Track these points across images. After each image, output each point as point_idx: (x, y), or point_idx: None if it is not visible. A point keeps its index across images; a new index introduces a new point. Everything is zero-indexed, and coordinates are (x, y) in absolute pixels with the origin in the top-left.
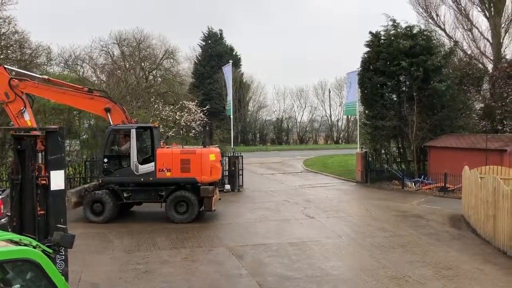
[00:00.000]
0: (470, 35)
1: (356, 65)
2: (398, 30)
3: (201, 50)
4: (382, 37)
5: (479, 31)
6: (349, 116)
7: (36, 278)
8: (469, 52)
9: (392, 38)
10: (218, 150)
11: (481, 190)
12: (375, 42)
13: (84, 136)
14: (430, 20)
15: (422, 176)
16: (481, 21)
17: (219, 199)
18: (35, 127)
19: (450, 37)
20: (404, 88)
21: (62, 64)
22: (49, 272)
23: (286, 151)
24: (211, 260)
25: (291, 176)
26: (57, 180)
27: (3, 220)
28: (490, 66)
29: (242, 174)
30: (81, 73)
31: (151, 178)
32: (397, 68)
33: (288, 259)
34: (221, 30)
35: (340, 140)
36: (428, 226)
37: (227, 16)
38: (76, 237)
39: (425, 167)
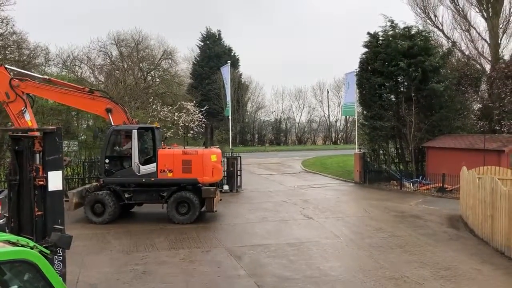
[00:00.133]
0: (468, 36)
1: (354, 66)
2: (396, 30)
3: (199, 51)
4: (380, 38)
5: (477, 31)
6: (347, 116)
7: (33, 279)
8: (467, 52)
9: (390, 38)
10: (219, 151)
11: (479, 191)
12: (373, 43)
13: (82, 137)
14: (428, 21)
15: (420, 177)
16: (479, 22)
17: (220, 199)
18: (33, 128)
19: (448, 38)
20: (402, 89)
21: (60, 65)
22: (46, 273)
23: (284, 152)
24: (209, 261)
25: (289, 177)
26: (55, 180)
27: (1, 221)
28: (488, 67)
29: (241, 175)
30: (79, 73)
31: (152, 179)
32: (395, 68)
33: (287, 260)
34: (219, 31)
35: (338, 141)
36: (426, 226)
37: (225, 16)
38: (74, 238)
39: (423, 167)
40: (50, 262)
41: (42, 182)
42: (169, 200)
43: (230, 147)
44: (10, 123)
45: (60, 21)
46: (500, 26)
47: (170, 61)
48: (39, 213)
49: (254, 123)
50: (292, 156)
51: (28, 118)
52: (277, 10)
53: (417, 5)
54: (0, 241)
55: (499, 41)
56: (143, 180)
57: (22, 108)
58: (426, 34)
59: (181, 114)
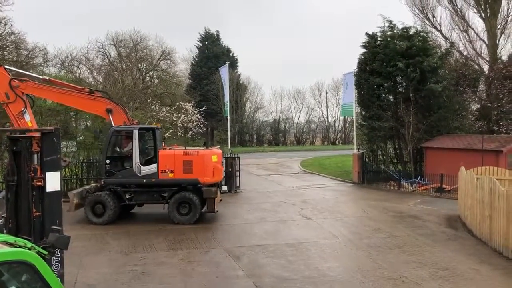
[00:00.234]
0: (466, 36)
1: (353, 66)
2: (395, 31)
3: (198, 51)
4: (379, 38)
5: (475, 32)
6: (346, 117)
7: (31, 280)
8: (465, 53)
9: (389, 39)
10: (220, 151)
11: (477, 191)
12: (372, 43)
13: (81, 138)
14: (426, 21)
15: (419, 177)
16: (477, 23)
17: (220, 200)
18: (31, 128)
19: (446, 38)
20: (400, 89)
21: (58, 65)
22: (44, 274)
23: (283, 152)
24: (208, 262)
25: (288, 177)
26: (53, 181)
27: None
28: (486, 67)
29: (239, 175)
30: (77, 74)
31: (153, 179)
32: (394, 69)
33: (285, 260)
34: (218, 31)
35: (337, 141)
36: (425, 226)
37: (224, 17)
38: (72, 239)
39: (422, 168)
40: (48, 263)
41: (40, 183)
42: (170, 200)
43: (229, 147)
44: (8, 124)
45: (58, 22)
46: (498, 26)
47: (168, 62)
48: (37, 214)
49: (253, 124)
50: (290, 156)
51: (28, 119)
52: (276, 11)
53: (415, 6)
54: None
55: (497, 42)
56: (144, 180)
57: (22, 109)
58: (424, 35)
59: (179, 114)
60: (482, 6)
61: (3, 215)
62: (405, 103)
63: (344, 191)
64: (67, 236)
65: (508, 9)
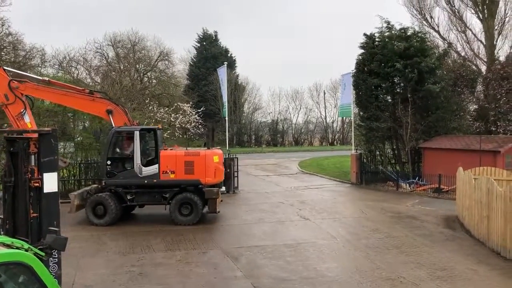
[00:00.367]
0: (464, 37)
1: (351, 67)
2: (392, 32)
3: (196, 52)
4: (377, 39)
5: (472, 33)
6: (344, 117)
7: (28, 281)
8: (463, 54)
9: (387, 40)
10: (221, 151)
11: (475, 191)
12: (370, 44)
13: (78, 138)
14: (424, 22)
15: (417, 178)
16: (475, 23)
17: (221, 200)
18: (28, 129)
19: (444, 39)
20: (398, 90)
21: (56, 66)
22: (41, 275)
23: (281, 153)
24: (206, 262)
25: (286, 178)
26: (50, 182)
27: None
28: (483, 68)
29: (237, 176)
30: (75, 75)
31: (155, 180)
32: (392, 69)
33: (283, 261)
34: (216, 32)
35: (335, 142)
36: (423, 227)
37: (222, 17)
38: (70, 240)
39: (420, 168)
40: (45, 264)
41: (37, 184)
42: (172, 201)
43: (227, 148)
44: (6, 125)
45: (57, 22)
46: (496, 27)
47: (166, 62)
48: (34, 215)
49: (251, 124)
50: (289, 157)
51: (28, 120)
52: (274, 11)
53: (413, 7)
54: None
55: (495, 43)
56: (145, 181)
57: (22, 110)
58: (422, 35)
59: (177, 115)
60: (480, 7)
61: (0, 216)
62: (403, 103)
63: (342, 192)
64: (64, 237)
65: (505, 10)
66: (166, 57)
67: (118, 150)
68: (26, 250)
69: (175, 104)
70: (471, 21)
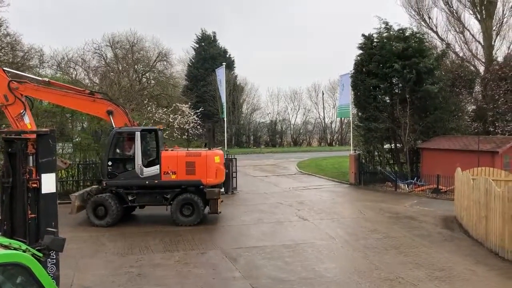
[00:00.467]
0: (462, 38)
1: (349, 68)
2: (391, 32)
3: (194, 53)
4: (375, 40)
5: (470, 33)
6: (342, 118)
7: (26, 283)
8: (461, 54)
9: (385, 40)
10: (222, 152)
11: (473, 192)
12: (368, 45)
13: (77, 139)
14: (422, 23)
15: (415, 178)
16: (473, 24)
17: (221, 201)
18: (26, 130)
19: (442, 40)
20: (396, 90)
21: (54, 67)
22: (39, 276)
23: (280, 153)
24: (204, 263)
25: (285, 178)
26: (48, 183)
27: None
28: (481, 68)
29: (236, 177)
30: (73, 75)
31: (156, 181)
32: (390, 70)
33: (282, 261)
34: (214, 33)
35: (333, 142)
36: (421, 227)
37: (220, 19)
38: (68, 240)
39: (418, 169)
40: (43, 265)
41: (35, 185)
42: (173, 202)
43: (225, 149)
44: (3, 126)
45: (55, 23)
46: (494, 28)
47: (165, 63)
48: (32, 215)
49: (250, 125)
50: (287, 157)
51: (28, 121)
52: (272, 12)
53: (412, 7)
54: None
55: (493, 43)
56: (147, 182)
57: (21, 111)
58: (420, 36)
59: (176, 116)
60: (478, 8)
61: None
62: (401, 104)
63: (341, 192)
64: (62, 238)
65: (503, 11)
66: (165, 58)
67: (119, 151)
68: (24, 251)
69: (174, 104)
70: (469, 21)
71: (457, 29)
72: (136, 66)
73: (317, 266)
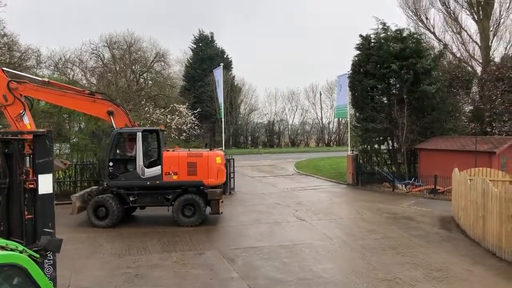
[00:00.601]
0: (459, 38)
1: (347, 68)
2: (388, 33)
3: (192, 53)
4: (372, 40)
5: (468, 34)
6: (340, 118)
7: (23, 284)
8: (458, 55)
9: (382, 41)
10: (223, 153)
11: (471, 192)
12: (366, 45)
13: (74, 140)
14: (419, 23)
15: (413, 178)
16: (470, 25)
17: (222, 201)
18: (23, 131)
19: (439, 40)
20: (394, 91)
21: (52, 67)
22: (36, 277)
23: (277, 154)
24: (202, 264)
25: (282, 179)
26: (45, 184)
27: None
28: (479, 69)
29: (234, 177)
30: (71, 76)
31: (157, 182)
32: (387, 71)
33: (280, 262)
34: (212, 33)
35: (331, 143)
36: (419, 228)
37: (218, 19)
38: (65, 241)
39: (416, 169)
40: (40, 266)
41: (32, 185)
42: (175, 203)
43: (223, 149)
44: (0, 126)
45: (52, 24)
46: (491, 28)
47: (162, 63)
48: (29, 216)
49: (247, 125)
50: (285, 158)
51: (27, 122)
52: (271, 12)
53: (409, 8)
54: None
55: (490, 44)
56: (148, 183)
57: (21, 111)
58: (418, 37)
59: (173, 116)
60: (475, 8)
61: None
62: (398, 104)
63: (339, 193)
64: (59, 238)
65: (500, 11)
66: (162, 58)
67: (120, 151)
68: (21, 252)
69: (171, 105)
70: (466, 22)
71: (454, 30)
72: (133, 67)
73: (315, 266)
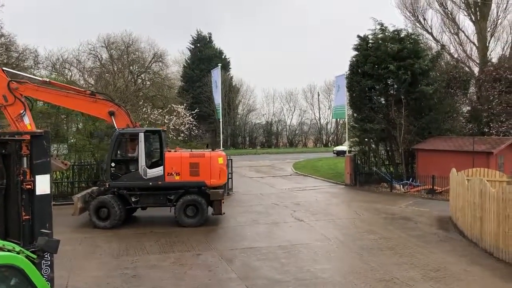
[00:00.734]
0: (457, 39)
1: (345, 69)
2: (386, 33)
3: (190, 54)
4: (370, 41)
5: (465, 35)
6: (338, 119)
7: (20, 285)
8: (455, 55)
9: (380, 41)
10: (224, 153)
11: (468, 192)
12: (363, 46)
13: (72, 140)
14: (417, 24)
15: (410, 179)
16: (467, 25)
17: (223, 202)
18: (20, 131)
19: (437, 41)
20: (392, 91)
21: (49, 68)
22: (33, 278)
23: (275, 154)
24: (200, 265)
25: (280, 179)
26: (42, 184)
27: None
28: (476, 70)
29: (232, 178)
30: (68, 76)
31: (160, 182)
32: (385, 71)
33: (278, 263)
34: (210, 34)
35: (329, 143)
36: (416, 228)
37: (216, 19)
38: (63, 242)
39: (413, 169)
40: (37, 266)
41: (29, 186)
42: (177, 203)
43: (221, 149)
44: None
45: (51, 24)
46: (488, 29)
47: (160, 64)
48: (26, 217)
49: (245, 126)
50: (283, 158)
51: (27, 122)
52: (269, 13)
53: (407, 9)
54: None
55: (487, 44)
56: (150, 183)
57: (21, 112)
58: (416, 37)
59: (171, 117)
60: (472, 9)
61: None
62: (396, 105)
63: (336, 193)
64: (57, 239)
65: (497, 12)
66: (160, 59)
67: (122, 152)
68: (18, 253)
69: (169, 106)
70: (463, 23)
71: (452, 31)
72: (131, 67)
73: (313, 267)
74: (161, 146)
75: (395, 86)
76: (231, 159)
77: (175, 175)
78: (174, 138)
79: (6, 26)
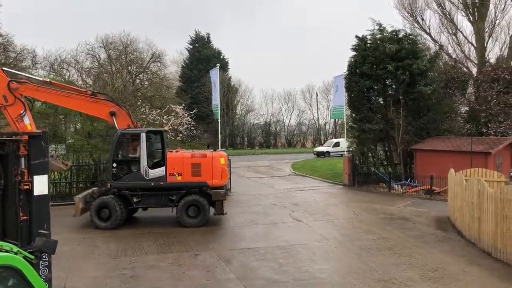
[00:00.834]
0: (455, 39)
1: (343, 69)
2: (384, 34)
3: (188, 54)
4: (369, 41)
5: (463, 35)
6: (336, 119)
7: (18, 285)
8: (454, 56)
9: (378, 42)
10: (226, 154)
11: (466, 192)
12: (362, 46)
13: (70, 141)
14: (415, 24)
15: (409, 179)
16: (466, 26)
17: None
18: (19, 132)
19: (435, 41)
20: (390, 92)
21: (47, 68)
22: (31, 279)
23: (274, 155)
24: (198, 265)
25: (279, 180)
26: (40, 185)
27: None
28: (474, 70)
29: (230, 178)
30: (67, 76)
31: (161, 183)
32: (384, 71)
33: (276, 263)
34: (208, 34)
35: None
36: (415, 228)
37: (214, 19)
38: (61, 242)
39: (412, 169)
40: (35, 267)
41: (27, 187)
42: (179, 204)
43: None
44: None
45: (49, 24)
46: (486, 30)
47: (158, 64)
48: (24, 217)
49: (244, 126)
50: (281, 159)
51: (28, 122)
52: (268, 13)
53: (405, 9)
54: None
55: (485, 45)
56: (152, 184)
57: (21, 112)
58: (414, 38)
59: (170, 117)
60: (470, 10)
61: None
62: (395, 105)
63: (335, 193)
64: (54, 240)
65: (495, 13)
66: (158, 59)
67: (124, 152)
68: (16, 254)
69: (168, 106)
70: (462, 23)
71: (450, 31)
72: (129, 67)
73: (311, 267)
74: (163, 146)
75: (393, 86)
76: (230, 160)
77: (177, 175)
78: (173, 138)
79: (4, 26)
